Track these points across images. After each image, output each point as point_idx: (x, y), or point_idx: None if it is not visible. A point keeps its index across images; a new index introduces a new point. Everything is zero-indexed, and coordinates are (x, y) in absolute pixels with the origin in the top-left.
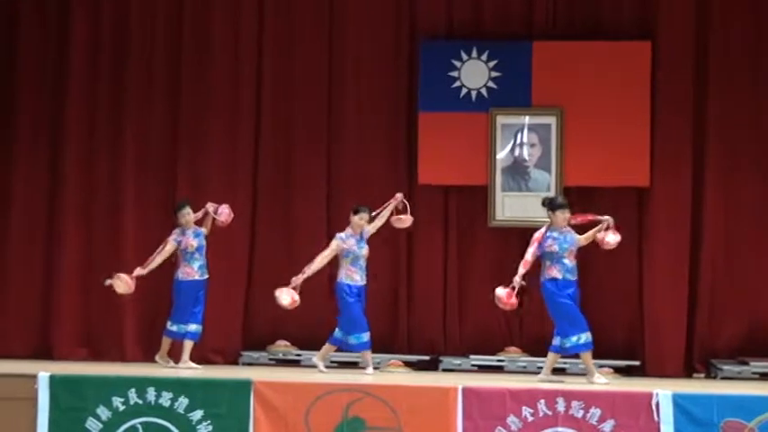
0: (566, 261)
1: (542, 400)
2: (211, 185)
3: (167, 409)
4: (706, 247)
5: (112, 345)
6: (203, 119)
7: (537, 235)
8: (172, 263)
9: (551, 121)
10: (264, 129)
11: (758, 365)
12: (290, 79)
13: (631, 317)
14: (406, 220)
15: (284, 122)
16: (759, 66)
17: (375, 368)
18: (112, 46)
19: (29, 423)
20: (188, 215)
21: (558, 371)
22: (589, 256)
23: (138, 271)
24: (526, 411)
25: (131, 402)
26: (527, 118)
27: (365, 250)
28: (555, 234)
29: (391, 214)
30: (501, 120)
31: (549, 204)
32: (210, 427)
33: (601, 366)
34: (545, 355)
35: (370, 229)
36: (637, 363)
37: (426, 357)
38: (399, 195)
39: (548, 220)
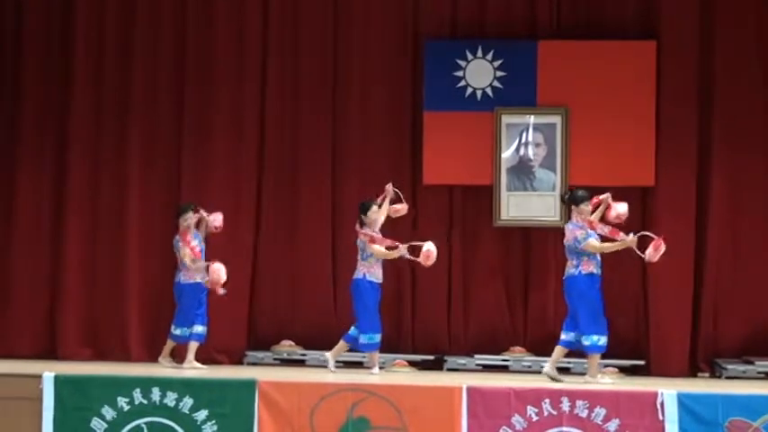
0: (597, 255)
1: (547, 400)
2: (216, 184)
3: (172, 409)
4: (711, 246)
5: (117, 345)
6: (208, 117)
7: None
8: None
9: (556, 120)
10: (269, 128)
11: (763, 365)
12: (294, 78)
13: (636, 316)
14: (402, 210)
15: (289, 122)
16: (765, 64)
17: (380, 368)
18: (117, 44)
19: (33, 423)
20: (190, 219)
21: (562, 370)
22: None
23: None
24: (531, 411)
25: (136, 402)
26: (532, 117)
27: None
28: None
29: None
30: (506, 119)
31: (572, 199)
32: (215, 427)
33: (606, 366)
34: (550, 355)
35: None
36: (641, 362)
37: (431, 357)
38: (389, 187)
39: (552, 219)
